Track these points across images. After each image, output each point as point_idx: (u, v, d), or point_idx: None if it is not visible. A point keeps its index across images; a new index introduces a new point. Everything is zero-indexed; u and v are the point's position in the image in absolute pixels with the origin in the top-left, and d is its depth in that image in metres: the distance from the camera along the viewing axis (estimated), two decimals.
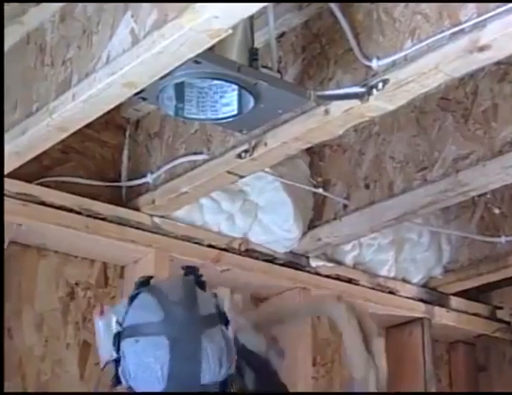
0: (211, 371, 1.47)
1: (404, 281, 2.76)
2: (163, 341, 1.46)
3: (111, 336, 1.52)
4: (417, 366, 2.74)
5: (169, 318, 1.48)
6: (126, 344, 1.50)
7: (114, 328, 1.52)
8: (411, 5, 1.64)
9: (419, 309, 2.77)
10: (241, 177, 2.14)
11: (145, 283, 1.55)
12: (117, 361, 1.51)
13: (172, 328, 1.47)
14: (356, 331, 1.75)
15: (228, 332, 1.52)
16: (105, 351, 1.54)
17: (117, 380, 1.52)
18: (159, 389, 1.46)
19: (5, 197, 2.06)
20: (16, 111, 1.91)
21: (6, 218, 2.06)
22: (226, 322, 1.53)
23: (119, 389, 1.53)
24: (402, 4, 1.65)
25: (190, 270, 1.58)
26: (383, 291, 2.70)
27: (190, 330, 1.47)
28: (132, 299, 1.53)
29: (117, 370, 1.52)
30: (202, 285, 1.56)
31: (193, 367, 1.46)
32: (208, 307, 1.52)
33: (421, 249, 2.73)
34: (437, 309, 2.81)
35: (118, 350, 1.51)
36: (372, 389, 1.73)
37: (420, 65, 1.62)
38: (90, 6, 1.75)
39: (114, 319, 1.53)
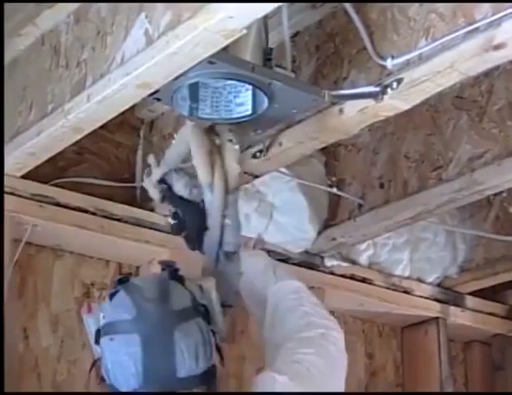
0: (187, 365, 1.47)
1: (419, 280, 2.75)
2: (135, 338, 1.47)
3: None
4: (433, 366, 2.73)
5: (140, 315, 1.49)
6: (103, 342, 1.51)
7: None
8: (426, 3, 1.63)
9: (434, 309, 2.76)
10: (256, 177, 2.15)
11: (123, 280, 1.55)
12: (100, 359, 1.53)
13: (143, 325, 1.48)
14: (198, 138, 1.73)
15: (206, 326, 1.52)
16: (94, 349, 1.56)
17: (102, 378, 1.53)
18: (135, 386, 1.47)
19: (21, 199, 2.07)
20: (32, 112, 1.92)
21: (23, 219, 2.07)
22: (205, 315, 1.53)
23: (104, 388, 1.53)
24: (417, 3, 1.65)
25: (166, 265, 1.59)
26: (398, 291, 2.69)
27: (162, 326, 1.48)
28: (111, 296, 1.54)
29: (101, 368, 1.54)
30: (179, 279, 1.56)
31: (167, 362, 1.47)
32: (182, 301, 1.52)
33: (436, 249, 2.72)
34: (452, 308, 2.79)
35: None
36: (218, 193, 1.70)
37: (435, 64, 1.61)
38: (105, 7, 1.76)
39: (101, 316, 1.54)
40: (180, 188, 1.81)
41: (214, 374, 1.53)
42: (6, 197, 2.05)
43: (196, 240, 1.78)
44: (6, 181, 2.05)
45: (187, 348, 1.48)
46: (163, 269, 1.59)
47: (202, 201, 1.77)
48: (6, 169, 2.03)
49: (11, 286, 2.06)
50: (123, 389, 1.50)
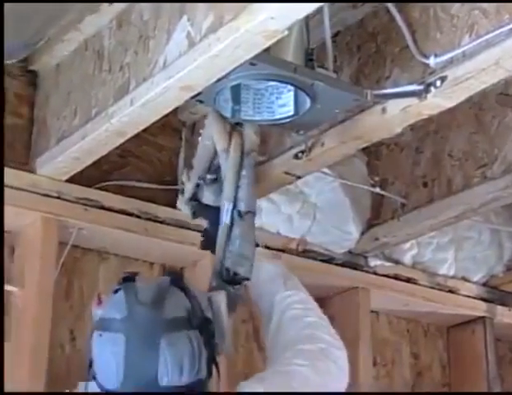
0: (170, 375, 1.46)
1: (464, 279, 2.72)
2: (121, 338, 1.47)
3: None
4: (480, 366, 2.70)
5: (130, 316, 1.49)
6: (94, 336, 1.52)
7: None
8: None
9: (480, 308, 2.73)
10: (298, 177, 2.14)
11: (127, 279, 1.55)
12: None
13: (130, 327, 1.48)
14: (216, 111, 1.76)
15: (199, 339, 1.48)
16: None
17: (94, 376, 1.53)
18: (116, 386, 1.47)
19: (66, 202, 2.09)
20: (76, 117, 1.94)
21: (69, 222, 2.09)
22: (203, 328, 1.50)
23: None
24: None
25: (170, 272, 1.60)
26: (443, 290, 2.67)
27: (149, 331, 1.47)
28: (114, 292, 1.55)
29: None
30: (182, 287, 1.54)
31: (149, 368, 1.45)
32: (176, 310, 1.50)
33: (481, 247, 2.69)
34: (499, 307, 2.76)
35: None
36: (234, 154, 1.70)
37: (479, 61, 1.60)
38: (147, 11, 1.77)
39: (98, 312, 1.55)
40: (209, 195, 1.82)
41: (200, 388, 1.50)
42: (53, 201, 2.07)
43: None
44: (52, 185, 2.07)
45: (171, 358, 1.45)
46: (167, 275, 1.58)
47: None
48: (52, 173, 2.05)
49: (57, 289, 2.09)
50: (107, 387, 1.49)
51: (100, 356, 1.50)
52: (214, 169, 1.82)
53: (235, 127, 1.78)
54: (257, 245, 1.76)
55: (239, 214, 1.71)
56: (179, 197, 1.89)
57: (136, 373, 1.46)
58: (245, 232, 1.70)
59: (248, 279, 1.69)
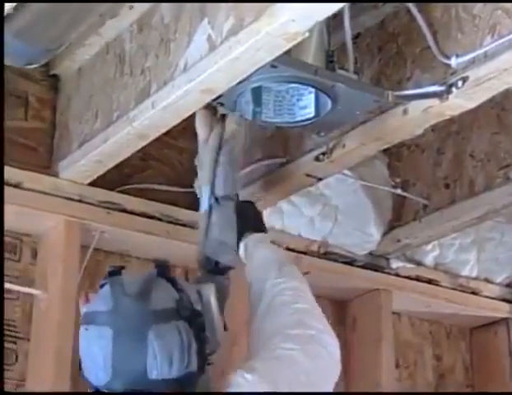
0: (159, 368, 1.42)
1: (487, 281, 2.71)
2: (107, 331, 1.44)
3: None
4: (503, 367, 2.69)
5: (116, 309, 1.45)
6: (80, 331, 1.49)
7: None
8: None
9: (503, 309, 2.71)
10: (319, 179, 2.14)
11: (112, 273, 1.52)
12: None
13: (117, 319, 1.44)
14: (203, 112, 1.78)
15: (188, 331, 1.45)
16: None
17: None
18: (105, 381, 1.44)
19: (89, 206, 2.10)
20: (97, 120, 1.95)
21: (91, 226, 2.10)
22: (192, 319, 1.47)
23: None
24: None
25: (157, 263, 1.53)
26: (465, 292, 2.65)
27: (136, 322, 1.43)
28: (100, 287, 1.52)
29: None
30: (169, 279, 1.51)
31: (138, 361, 1.42)
32: (164, 301, 1.46)
33: (503, 248, 2.68)
34: None
35: None
36: (213, 142, 1.71)
37: (501, 61, 1.59)
38: (167, 14, 1.77)
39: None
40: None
41: (191, 381, 1.46)
42: (75, 205, 2.08)
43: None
44: (75, 189, 2.08)
45: (160, 350, 1.42)
46: (154, 266, 1.53)
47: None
48: (74, 177, 2.06)
49: (81, 292, 2.09)
50: (93, 383, 1.46)
51: (87, 351, 1.46)
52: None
53: (217, 119, 1.77)
54: (241, 232, 1.73)
55: (216, 200, 1.68)
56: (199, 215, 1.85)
57: (124, 366, 1.42)
58: (224, 218, 1.68)
59: (231, 267, 1.65)
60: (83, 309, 1.53)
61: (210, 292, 1.55)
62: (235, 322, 1.74)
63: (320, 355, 1.56)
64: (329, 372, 1.58)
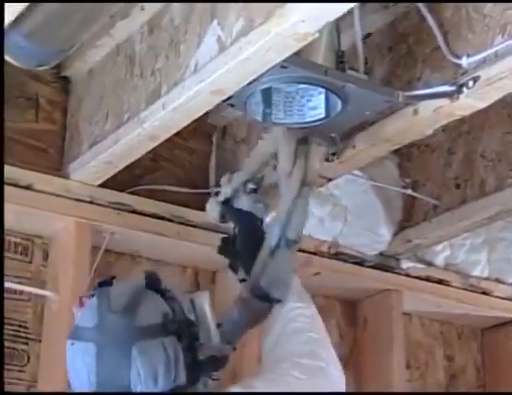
0: (143, 383, 1.42)
1: (498, 281, 2.70)
2: (91, 347, 1.44)
3: None
4: None
5: (101, 325, 1.46)
6: (67, 345, 1.50)
7: None
8: None
9: None
10: (329, 180, 2.14)
11: (102, 284, 1.53)
12: None
13: (101, 336, 1.45)
14: (288, 132, 1.71)
15: (175, 345, 1.45)
16: None
17: None
18: None
19: (99, 207, 2.11)
20: (108, 121, 1.95)
21: (101, 227, 2.11)
22: (181, 332, 1.47)
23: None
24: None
25: (147, 275, 1.54)
26: (476, 292, 2.65)
27: (119, 339, 1.44)
28: (90, 297, 1.52)
29: None
30: (159, 290, 1.51)
31: (122, 377, 1.43)
32: (150, 317, 1.46)
33: None
34: None
35: None
36: (295, 181, 1.67)
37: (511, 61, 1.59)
38: (177, 16, 1.78)
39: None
40: (244, 201, 1.82)
41: (181, 393, 1.47)
42: (86, 206, 2.09)
43: (240, 264, 1.77)
44: (85, 190, 2.09)
45: (143, 366, 1.42)
46: (144, 278, 1.54)
47: (262, 216, 1.77)
48: (85, 178, 2.07)
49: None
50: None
51: (72, 365, 1.48)
52: (257, 179, 1.82)
53: (301, 149, 1.74)
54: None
55: (287, 242, 1.68)
56: (211, 199, 1.88)
57: (108, 382, 1.43)
58: (289, 259, 1.68)
59: (280, 301, 1.67)
60: (77, 315, 1.54)
61: (204, 300, 1.55)
62: None
63: (324, 388, 1.58)
64: None
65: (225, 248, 1.82)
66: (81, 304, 1.54)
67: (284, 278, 1.67)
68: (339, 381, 1.61)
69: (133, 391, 1.43)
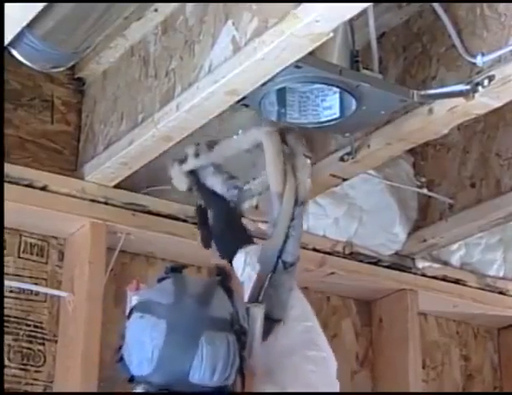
0: (202, 372, 1.42)
1: None
2: (162, 324, 1.43)
3: None
4: None
5: (176, 305, 1.45)
6: (133, 318, 1.48)
7: None
8: None
9: None
10: (344, 180, 2.14)
11: (175, 269, 1.52)
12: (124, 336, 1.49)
13: (174, 315, 1.44)
14: (275, 147, 1.66)
15: (235, 346, 1.45)
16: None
17: (121, 358, 1.48)
18: (146, 372, 1.43)
19: (114, 208, 2.11)
20: (123, 123, 1.96)
21: (117, 228, 2.11)
22: (239, 336, 1.47)
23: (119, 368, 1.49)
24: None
25: (219, 271, 1.53)
26: (492, 291, 2.64)
27: (191, 324, 1.43)
28: (159, 281, 1.51)
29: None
30: (228, 290, 1.51)
31: (184, 360, 1.42)
32: (222, 311, 1.47)
33: None
34: None
35: None
36: (288, 205, 1.65)
37: None
38: (191, 16, 1.78)
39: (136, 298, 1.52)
40: (217, 183, 1.79)
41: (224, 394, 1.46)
42: (101, 207, 2.09)
43: (211, 238, 1.78)
44: (100, 191, 2.09)
45: (207, 356, 1.42)
46: (217, 274, 1.53)
47: (236, 202, 1.76)
48: (100, 179, 2.07)
49: (107, 294, 2.11)
50: (133, 371, 1.45)
51: (137, 338, 1.45)
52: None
53: (289, 168, 1.68)
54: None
55: (285, 265, 1.67)
56: (175, 164, 1.82)
57: (169, 362, 1.42)
58: (287, 282, 1.67)
59: (280, 320, 1.65)
60: (132, 297, 1.53)
61: (258, 315, 1.55)
62: None
63: (330, 377, 1.61)
64: (330, 388, 1.62)
65: (199, 219, 1.81)
66: (137, 288, 1.55)
67: (284, 300, 1.66)
68: (334, 365, 1.63)
69: (190, 377, 1.42)
